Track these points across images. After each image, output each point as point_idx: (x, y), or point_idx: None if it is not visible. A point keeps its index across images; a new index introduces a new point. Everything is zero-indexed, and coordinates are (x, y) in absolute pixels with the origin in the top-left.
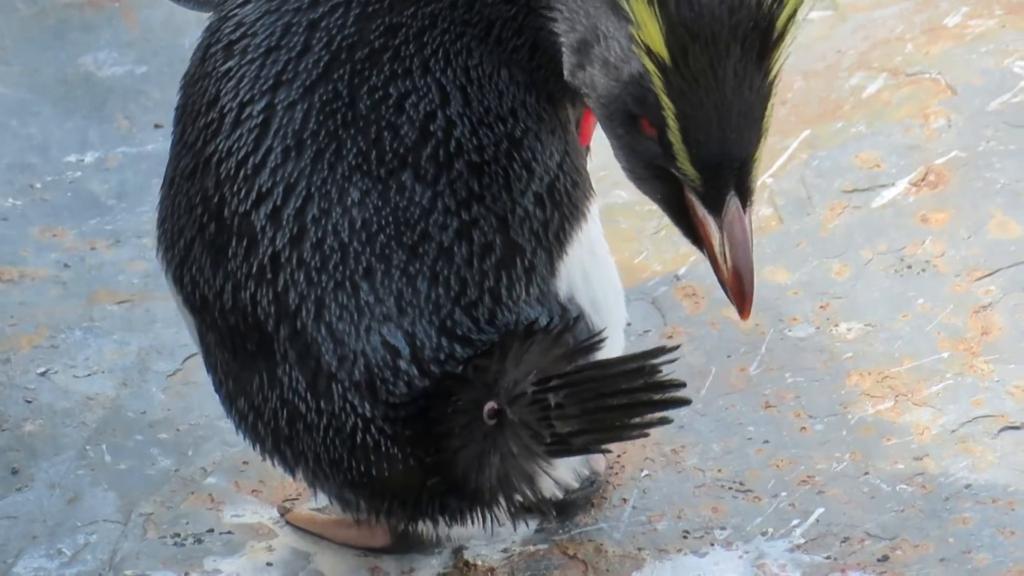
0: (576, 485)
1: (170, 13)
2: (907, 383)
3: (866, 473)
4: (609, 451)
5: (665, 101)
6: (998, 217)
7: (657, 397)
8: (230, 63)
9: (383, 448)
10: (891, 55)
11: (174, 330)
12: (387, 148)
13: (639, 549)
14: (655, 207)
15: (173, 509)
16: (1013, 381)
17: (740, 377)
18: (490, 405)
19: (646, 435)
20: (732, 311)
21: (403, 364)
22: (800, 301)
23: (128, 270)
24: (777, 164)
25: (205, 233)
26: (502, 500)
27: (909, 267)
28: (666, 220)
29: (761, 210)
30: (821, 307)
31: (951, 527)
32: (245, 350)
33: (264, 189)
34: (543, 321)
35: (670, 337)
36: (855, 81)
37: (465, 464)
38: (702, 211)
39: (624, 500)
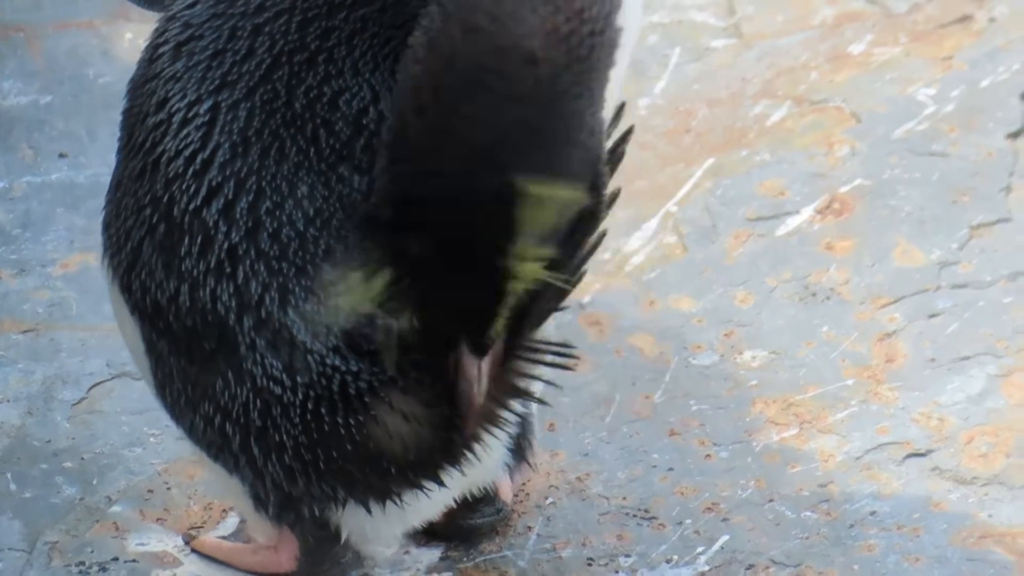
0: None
1: (75, 44)
2: (812, 410)
3: (771, 500)
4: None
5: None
6: (902, 245)
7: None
8: (178, 65)
9: (377, 395)
10: (796, 83)
11: (79, 359)
12: (324, 144)
13: None
14: None
15: (78, 537)
16: (918, 408)
17: (645, 405)
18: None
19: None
20: (637, 339)
21: (379, 320)
22: (705, 329)
23: (33, 299)
24: (682, 192)
25: (155, 234)
26: (508, 400)
27: (814, 295)
28: None
29: (666, 238)
30: (726, 335)
31: (856, 554)
32: (203, 351)
33: (214, 184)
34: None
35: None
36: (759, 109)
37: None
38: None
39: (529, 528)
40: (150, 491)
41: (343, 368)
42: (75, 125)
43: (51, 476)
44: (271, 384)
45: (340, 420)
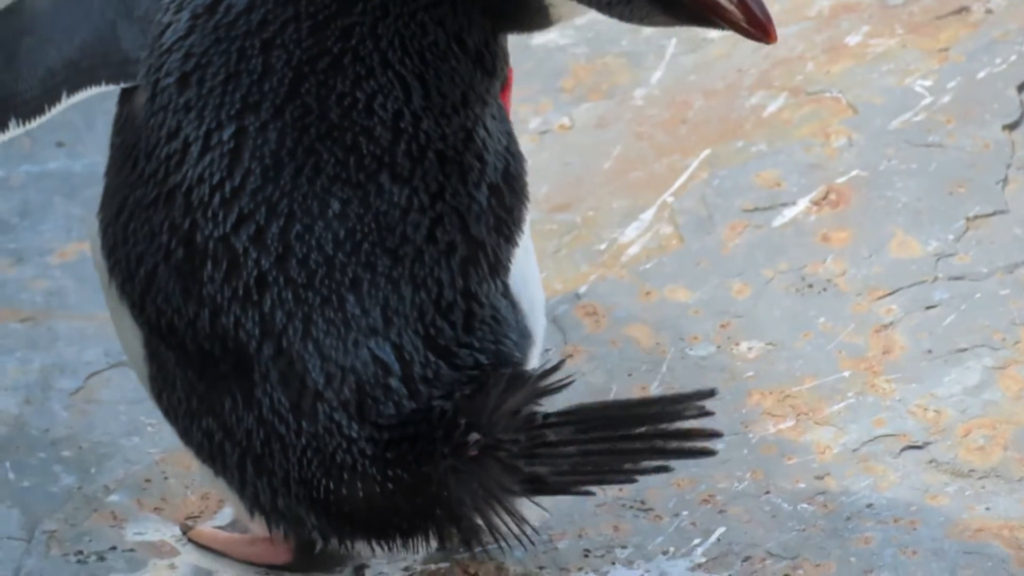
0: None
1: None
2: (808, 402)
3: (767, 492)
4: (591, 493)
5: None
6: (899, 236)
7: (681, 446)
8: (188, 94)
9: (361, 469)
10: (792, 74)
11: (77, 348)
12: (364, 151)
13: (540, 568)
14: (555, 225)
15: (76, 526)
16: (914, 400)
17: (641, 396)
18: (474, 436)
19: (634, 480)
20: (633, 330)
21: (393, 382)
22: (701, 320)
23: (31, 288)
24: (678, 183)
25: (171, 260)
26: (474, 526)
27: (810, 286)
28: (567, 239)
29: (662, 229)
30: (722, 326)
31: (853, 546)
32: (217, 372)
33: (246, 211)
34: (518, 354)
35: (571, 356)
36: (756, 100)
37: (441, 490)
38: None
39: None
40: (148, 480)
41: (344, 429)
42: (72, 115)
43: (49, 465)
44: (276, 420)
45: (323, 480)
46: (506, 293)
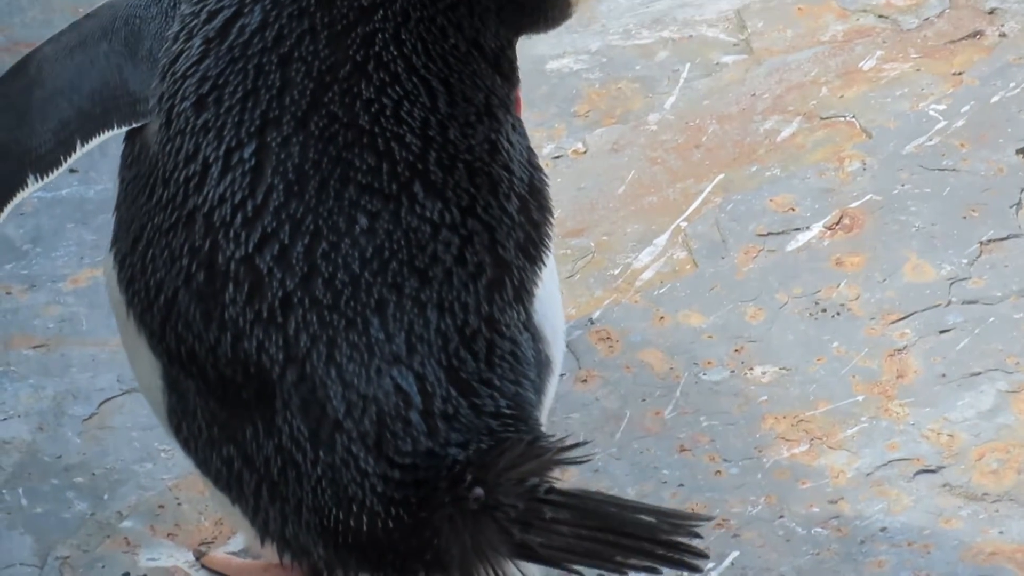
0: None
1: None
2: (822, 426)
3: (781, 516)
4: (580, 574)
5: None
6: (913, 260)
7: (669, 555)
8: (206, 115)
9: (369, 504)
10: (806, 99)
11: (90, 374)
12: (398, 157)
13: None
14: (569, 250)
15: (89, 553)
16: (928, 424)
17: (655, 421)
18: (478, 491)
19: (623, 573)
20: (647, 355)
21: (413, 416)
22: (715, 345)
23: (44, 315)
24: (691, 207)
25: (192, 284)
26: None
27: (824, 310)
28: (581, 263)
29: (676, 254)
30: (736, 350)
31: (867, 570)
32: (238, 399)
33: (269, 230)
34: (534, 398)
35: (584, 381)
36: (769, 125)
37: (433, 537)
38: None
39: None
40: (161, 506)
41: (360, 463)
42: None
43: (62, 491)
44: (294, 448)
45: (333, 511)
46: (528, 325)
